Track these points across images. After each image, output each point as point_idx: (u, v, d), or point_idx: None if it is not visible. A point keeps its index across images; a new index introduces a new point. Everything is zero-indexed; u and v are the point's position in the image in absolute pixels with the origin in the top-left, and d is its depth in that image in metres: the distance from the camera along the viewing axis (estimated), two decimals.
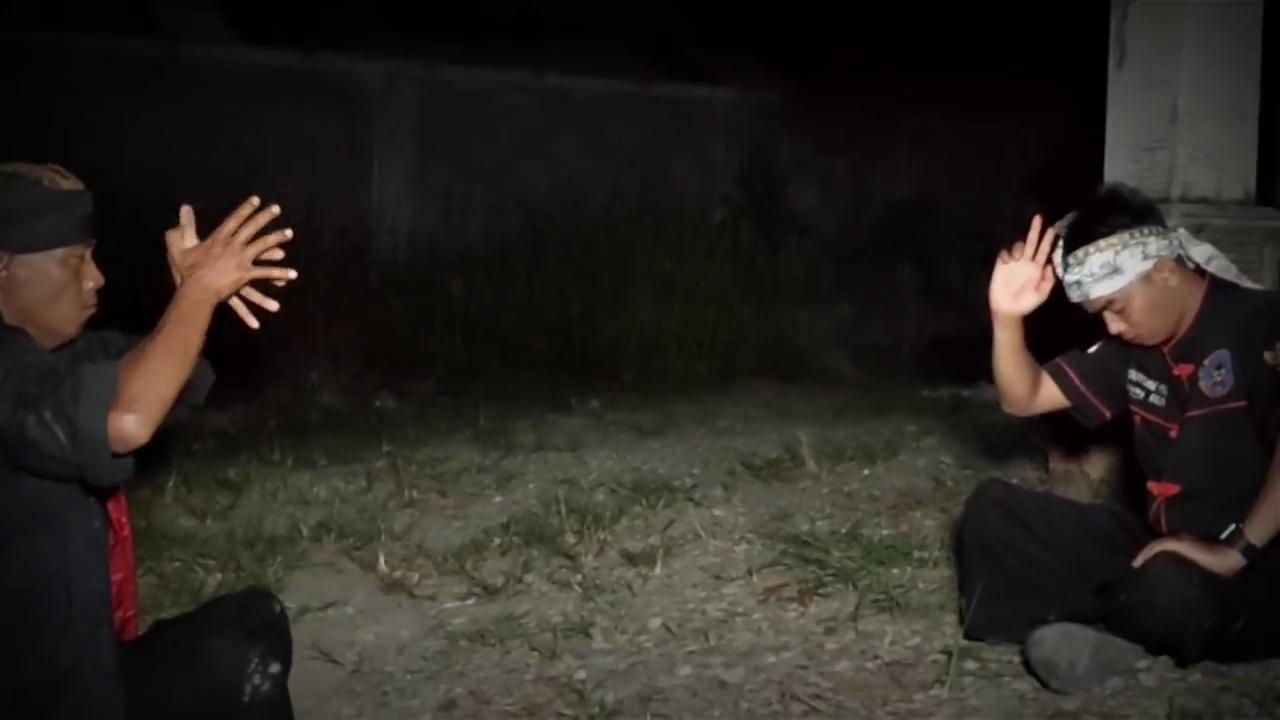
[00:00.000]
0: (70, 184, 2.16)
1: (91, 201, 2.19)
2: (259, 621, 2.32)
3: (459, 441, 5.70)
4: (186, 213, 2.19)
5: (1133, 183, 4.38)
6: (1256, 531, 2.50)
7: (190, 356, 2.00)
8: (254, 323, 2.20)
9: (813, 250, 9.91)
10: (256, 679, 2.15)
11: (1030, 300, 2.84)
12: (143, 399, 1.91)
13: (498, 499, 4.63)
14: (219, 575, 3.66)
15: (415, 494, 4.66)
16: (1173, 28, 4.34)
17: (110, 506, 2.18)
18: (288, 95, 9.77)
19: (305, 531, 4.13)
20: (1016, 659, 2.76)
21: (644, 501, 4.35)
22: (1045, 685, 2.64)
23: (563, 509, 4.24)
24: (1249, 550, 2.50)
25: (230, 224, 2.08)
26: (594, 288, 8.85)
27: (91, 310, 2.20)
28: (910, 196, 10.88)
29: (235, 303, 2.17)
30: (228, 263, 2.05)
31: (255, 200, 2.09)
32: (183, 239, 2.17)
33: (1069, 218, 2.85)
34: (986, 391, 6.35)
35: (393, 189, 10.23)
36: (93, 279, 2.19)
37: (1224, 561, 2.50)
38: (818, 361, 8.72)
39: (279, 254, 2.13)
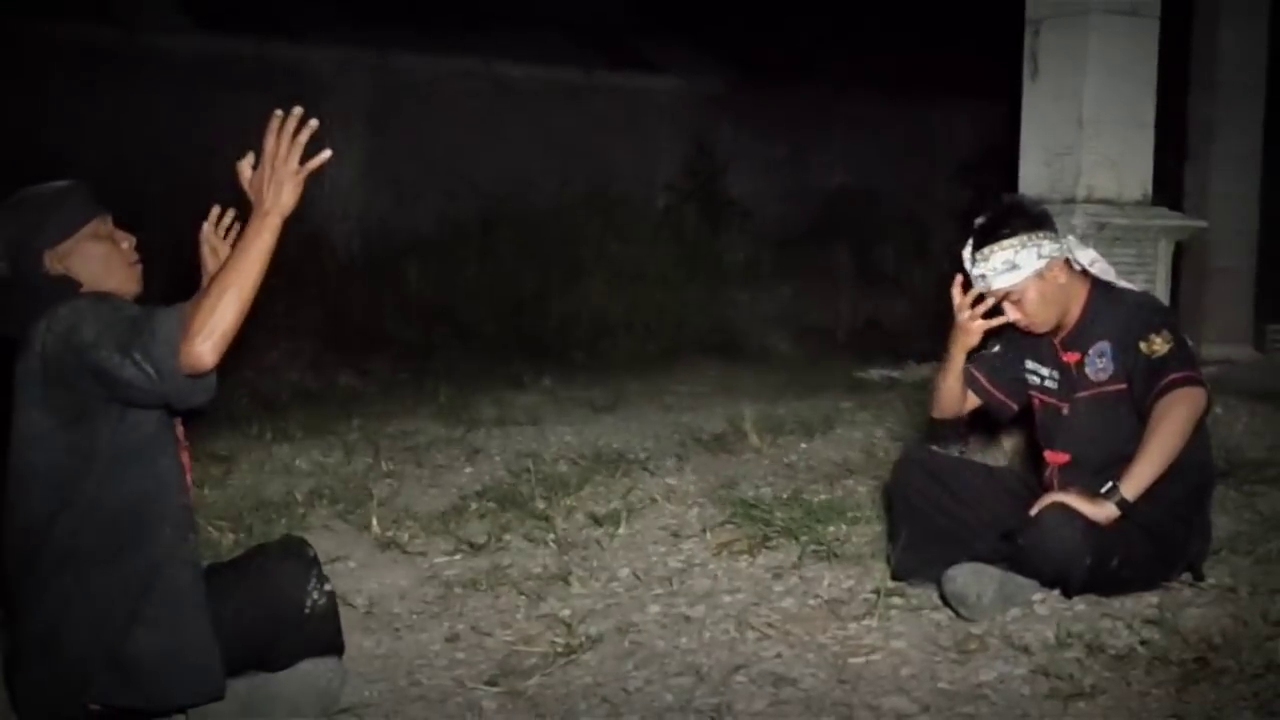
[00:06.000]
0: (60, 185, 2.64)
1: (85, 187, 2.67)
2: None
3: (424, 416, 6.02)
4: (247, 158, 2.51)
5: (1043, 185, 4.94)
6: (1130, 488, 3.00)
7: (252, 278, 2.39)
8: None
9: (754, 235, 10.30)
10: (315, 594, 2.61)
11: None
12: (207, 329, 2.32)
13: (468, 470, 4.97)
14: (232, 535, 4.01)
15: (392, 465, 4.99)
16: (1078, 44, 4.85)
17: (181, 436, 2.63)
18: (241, 82, 9.96)
19: (299, 498, 4.50)
20: (935, 596, 3.24)
21: (604, 471, 4.73)
22: (957, 614, 3.12)
23: (531, 478, 4.65)
24: (1123, 503, 2.99)
25: (269, 145, 2.42)
26: (544, 272, 9.18)
27: (138, 264, 2.67)
28: (847, 183, 11.25)
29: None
30: (283, 179, 2.42)
31: (279, 113, 2.44)
32: (248, 170, 2.50)
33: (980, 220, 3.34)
34: (915, 371, 6.85)
35: (345, 176, 10.47)
36: (124, 239, 2.66)
37: (1102, 511, 2.99)
38: (759, 341, 9.14)
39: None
